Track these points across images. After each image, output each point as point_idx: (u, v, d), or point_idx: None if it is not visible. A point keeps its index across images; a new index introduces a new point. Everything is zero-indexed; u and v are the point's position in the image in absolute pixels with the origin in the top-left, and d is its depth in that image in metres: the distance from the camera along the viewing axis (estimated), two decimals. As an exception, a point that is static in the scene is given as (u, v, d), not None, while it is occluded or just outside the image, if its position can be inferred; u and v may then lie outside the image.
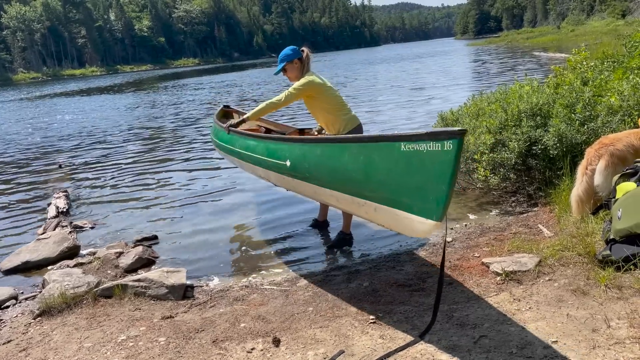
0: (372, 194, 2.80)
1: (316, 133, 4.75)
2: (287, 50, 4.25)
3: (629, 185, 3.22)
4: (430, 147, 2.44)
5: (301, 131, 5.12)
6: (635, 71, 5.15)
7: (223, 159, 6.86)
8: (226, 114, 6.25)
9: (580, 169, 3.81)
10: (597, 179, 3.62)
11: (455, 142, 2.34)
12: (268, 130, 5.52)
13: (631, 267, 2.91)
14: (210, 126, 6.27)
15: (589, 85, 4.97)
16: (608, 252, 3.05)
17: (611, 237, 3.10)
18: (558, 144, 4.38)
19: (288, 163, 3.52)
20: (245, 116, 4.38)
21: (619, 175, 3.41)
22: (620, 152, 3.63)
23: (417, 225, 2.55)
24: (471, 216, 4.72)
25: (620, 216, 3.07)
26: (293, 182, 3.61)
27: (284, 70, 4.26)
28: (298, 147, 3.48)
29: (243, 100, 19.51)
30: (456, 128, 2.38)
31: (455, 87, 16.43)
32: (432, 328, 2.67)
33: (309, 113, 4.42)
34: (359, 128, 4.20)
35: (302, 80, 4.10)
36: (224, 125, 4.64)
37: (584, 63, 5.84)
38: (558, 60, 20.32)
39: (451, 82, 18.61)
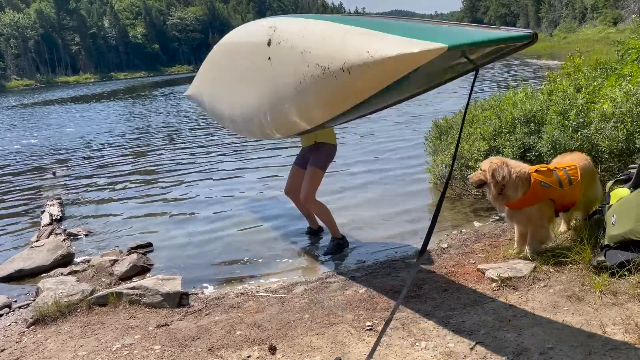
0: None
1: None
2: None
3: (623, 192, 3.25)
4: None
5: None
6: (628, 78, 5.19)
7: (219, 167, 6.88)
8: None
9: None
10: None
11: None
12: None
13: (626, 273, 2.92)
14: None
15: (582, 92, 5.00)
16: (603, 258, 3.06)
17: (605, 243, 3.12)
18: (552, 151, 4.40)
19: None
20: None
21: (613, 181, 3.43)
22: None
23: None
24: (466, 222, 4.73)
25: (614, 222, 3.09)
26: None
27: None
28: None
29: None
30: None
31: (449, 95, 16.49)
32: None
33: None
34: (328, 146, 4.21)
35: None
36: None
37: (579, 71, 5.89)
38: (551, 68, 20.45)
39: (445, 90, 18.65)
